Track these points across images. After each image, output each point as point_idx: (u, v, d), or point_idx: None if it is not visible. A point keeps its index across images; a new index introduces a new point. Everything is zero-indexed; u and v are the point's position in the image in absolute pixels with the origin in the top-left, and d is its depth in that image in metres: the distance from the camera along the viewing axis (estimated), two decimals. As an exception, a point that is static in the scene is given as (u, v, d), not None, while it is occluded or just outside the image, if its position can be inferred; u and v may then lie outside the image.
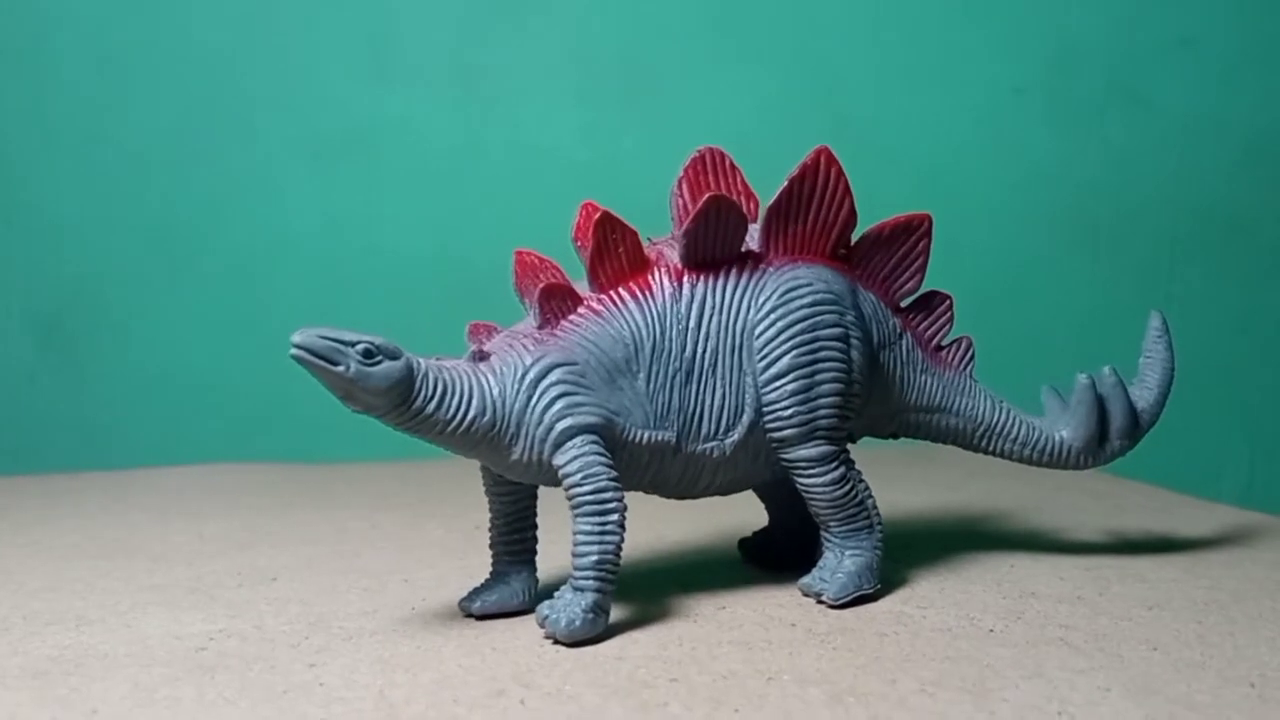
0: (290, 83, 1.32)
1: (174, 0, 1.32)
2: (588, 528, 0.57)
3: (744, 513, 0.77)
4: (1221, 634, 0.59)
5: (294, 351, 0.53)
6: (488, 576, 0.62)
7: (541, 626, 0.57)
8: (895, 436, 0.70)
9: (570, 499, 0.57)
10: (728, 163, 0.66)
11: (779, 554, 0.71)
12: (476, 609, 0.60)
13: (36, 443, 1.33)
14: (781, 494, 0.70)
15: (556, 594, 0.58)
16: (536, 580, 0.62)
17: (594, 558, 0.56)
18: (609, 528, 0.57)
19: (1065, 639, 0.57)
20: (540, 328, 0.59)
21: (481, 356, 0.58)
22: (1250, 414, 1.31)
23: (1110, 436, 0.72)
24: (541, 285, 0.59)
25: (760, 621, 0.60)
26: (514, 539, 0.62)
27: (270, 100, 1.32)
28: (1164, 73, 1.30)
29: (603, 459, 0.57)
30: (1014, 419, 0.70)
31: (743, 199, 0.66)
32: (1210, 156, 1.30)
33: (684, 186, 0.65)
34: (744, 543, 0.73)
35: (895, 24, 1.31)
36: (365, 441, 1.30)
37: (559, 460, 0.57)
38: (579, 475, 0.57)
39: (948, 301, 0.69)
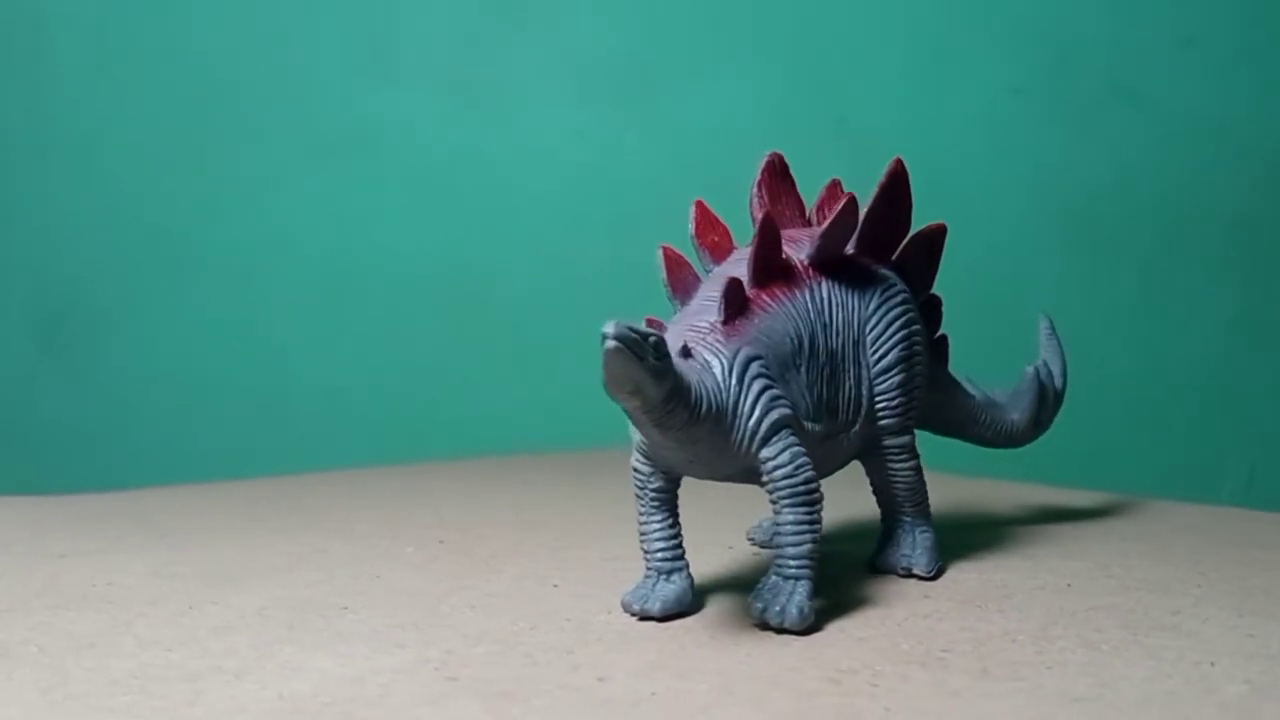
0: (290, 83, 1.32)
1: (173, 0, 1.32)
2: (800, 517, 0.58)
3: (719, 502, 0.79)
4: (1215, 563, 0.71)
5: (610, 344, 0.50)
6: (646, 578, 0.62)
7: (759, 618, 0.58)
8: None
9: (779, 489, 0.58)
10: (788, 170, 0.70)
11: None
12: (658, 611, 0.60)
13: (37, 443, 1.33)
14: None
15: (763, 587, 0.58)
16: (692, 577, 0.62)
17: (808, 546, 0.58)
18: (816, 517, 0.59)
19: (1131, 586, 0.65)
20: (725, 322, 0.60)
21: (686, 353, 0.58)
22: (1250, 414, 1.31)
23: (1042, 419, 0.80)
24: (727, 280, 0.60)
25: (898, 597, 0.64)
26: (673, 536, 0.62)
27: (270, 100, 1.32)
28: (1164, 73, 1.30)
29: (805, 450, 0.59)
30: (982, 408, 0.78)
31: (797, 204, 0.71)
32: (1210, 156, 1.30)
33: (762, 189, 0.69)
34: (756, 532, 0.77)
35: (895, 24, 1.31)
36: (366, 442, 1.30)
37: (768, 452, 0.58)
38: (791, 466, 0.58)
39: (941, 303, 0.74)
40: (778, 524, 0.59)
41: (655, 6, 1.32)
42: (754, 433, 0.58)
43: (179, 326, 1.33)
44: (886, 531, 0.70)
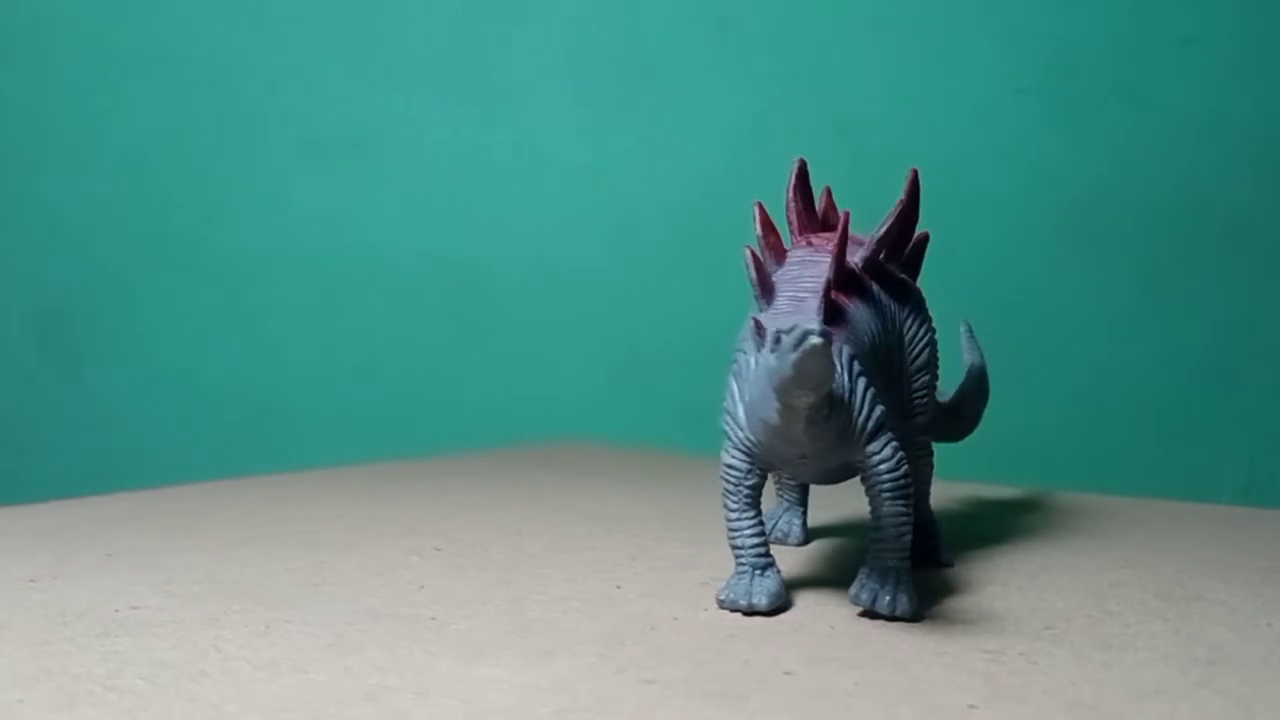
0: (290, 83, 1.32)
1: (173, 1, 1.32)
2: (901, 510, 0.60)
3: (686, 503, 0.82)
4: (1166, 543, 0.78)
5: (819, 341, 0.52)
6: (740, 575, 0.62)
7: (869, 606, 0.60)
8: None
9: (883, 483, 0.60)
10: (809, 176, 0.72)
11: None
12: (766, 605, 0.61)
13: (38, 443, 1.34)
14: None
15: (867, 578, 0.60)
16: (780, 571, 0.64)
17: (907, 538, 0.60)
18: (911, 510, 0.61)
19: (1120, 565, 0.72)
20: (824, 322, 0.61)
21: None
22: (1250, 415, 1.31)
23: (978, 415, 0.84)
24: (826, 281, 0.62)
25: (946, 585, 0.68)
26: (764, 533, 0.63)
27: (270, 100, 1.32)
28: (1164, 73, 1.30)
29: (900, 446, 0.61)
30: (941, 406, 0.80)
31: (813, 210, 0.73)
32: (1210, 156, 1.30)
33: (797, 194, 0.70)
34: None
35: (895, 24, 1.31)
36: (365, 441, 1.30)
37: (874, 447, 0.60)
38: (894, 461, 0.60)
39: None
40: (880, 516, 0.60)
41: (655, 6, 1.32)
42: (863, 429, 0.59)
43: (179, 326, 1.33)
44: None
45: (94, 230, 1.33)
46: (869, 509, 0.61)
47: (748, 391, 0.60)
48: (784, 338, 0.53)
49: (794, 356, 0.52)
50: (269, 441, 1.30)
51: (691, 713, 0.47)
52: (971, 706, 0.48)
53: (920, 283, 0.73)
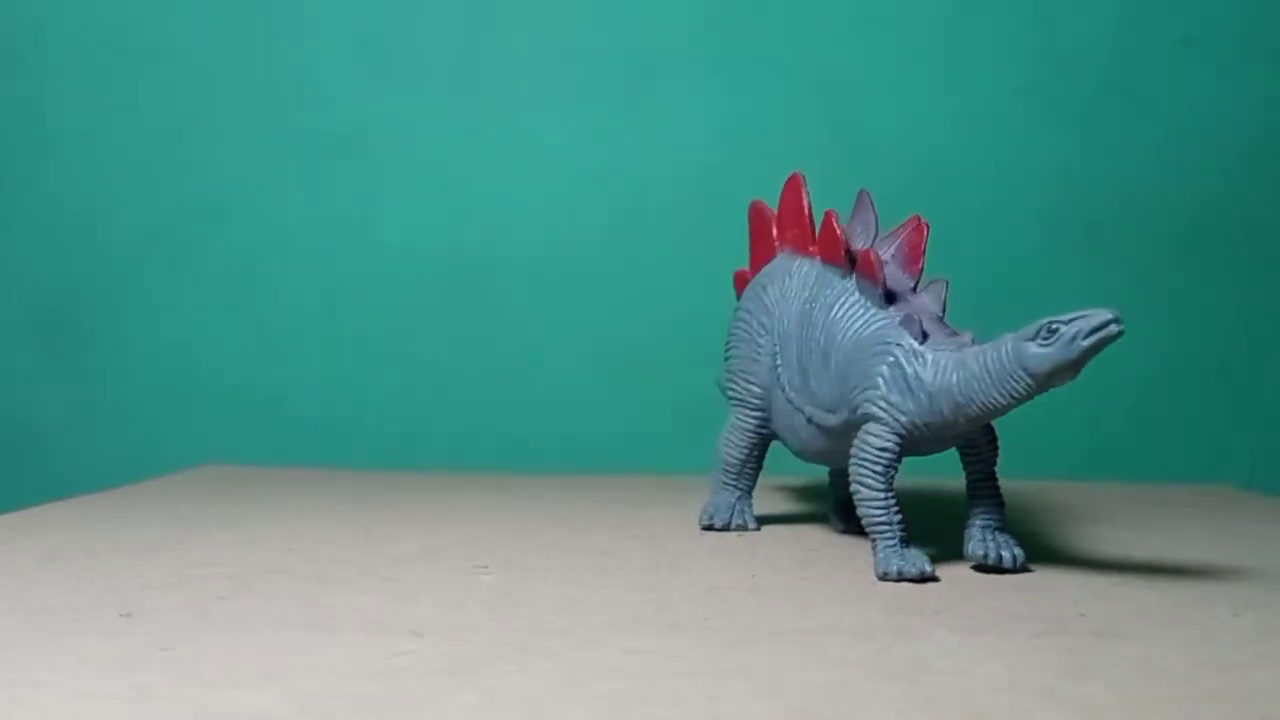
0: (290, 82, 1.32)
1: (172, 1, 1.32)
2: (997, 478, 0.69)
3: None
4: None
5: (1119, 328, 0.58)
6: (891, 547, 0.67)
7: (994, 562, 0.67)
8: None
9: (991, 457, 0.69)
10: None
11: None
12: (932, 570, 0.66)
13: (37, 443, 1.33)
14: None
15: (984, 540, 0.68)
16: None
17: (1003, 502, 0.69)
18: None
19: (1144, 537, 0.82)
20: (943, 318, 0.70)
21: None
22: (1250, 415, 1.31)
23: None
24: (946, 281, 0.70)
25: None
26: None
27: (270, 99, 1.32)
28: (1164, 73, 1.30)
29: None
30: None
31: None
32: (1210, 156, 1.30)
33: (809, 207, 0.78)
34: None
35: (895, 24, 1.31)
36: (364, 442, 1.31)
37: (990, 435, 0.70)
38: (995, 435, 0.70)
39: None
40: (984, 484, 0.69)
41: (655, 7, 1.32)
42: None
43: (179, 325, 1.33)
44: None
45: (94, 229, 1.33)
46: (972, 478, 0.69)
47: (929, 380, 0.65)
48: (1062, 327, 0.59)
49: (1088, 343, 0.58)
50: (269, 440, 1.30)
51: (1078, 696, 0.46)
52: (1236, 613, 0.58)
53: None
